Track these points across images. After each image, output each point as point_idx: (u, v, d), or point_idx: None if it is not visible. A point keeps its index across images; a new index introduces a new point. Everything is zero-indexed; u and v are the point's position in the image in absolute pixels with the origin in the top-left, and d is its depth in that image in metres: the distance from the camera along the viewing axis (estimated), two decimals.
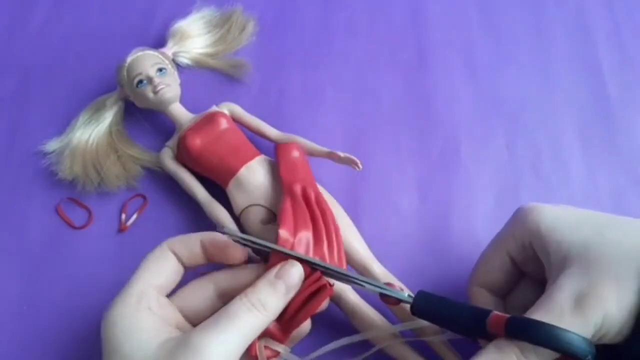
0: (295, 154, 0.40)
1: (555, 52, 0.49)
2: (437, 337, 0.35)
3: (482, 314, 0.29)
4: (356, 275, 0.32)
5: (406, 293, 0.32)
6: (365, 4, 0.52)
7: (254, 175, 0.39)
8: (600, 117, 0.46)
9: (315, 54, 0.49)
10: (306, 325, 0.32)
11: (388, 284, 0.32)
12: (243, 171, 0.39)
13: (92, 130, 0.44)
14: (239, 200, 0.39)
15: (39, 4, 0.52)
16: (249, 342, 0.29)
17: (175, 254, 0.32)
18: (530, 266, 0.33)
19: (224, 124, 0.41)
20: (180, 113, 0.43)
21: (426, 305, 0.31)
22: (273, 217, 0.39)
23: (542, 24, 0.51)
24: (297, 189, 0.38)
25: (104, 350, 0.28)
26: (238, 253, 0.32)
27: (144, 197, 0.43)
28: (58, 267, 0.40)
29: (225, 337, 0.27)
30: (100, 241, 0.41)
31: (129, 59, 0.43)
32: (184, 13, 0.49)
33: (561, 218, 0.31)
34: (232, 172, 0.40)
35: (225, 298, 0.31)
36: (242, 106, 0.44)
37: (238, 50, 0.49)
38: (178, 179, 0.42)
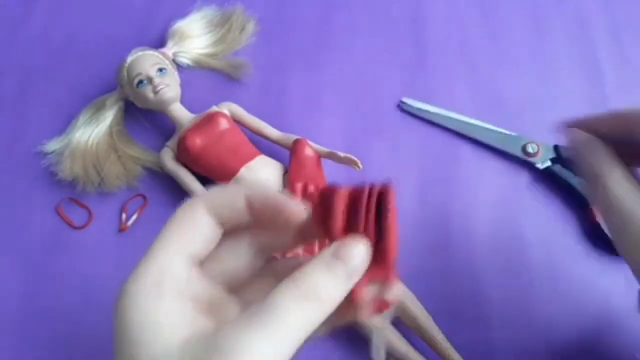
0: (308, 151, 0.41)
1: (555, 52, 0.49)
2: (438, 334, 0.35)
3: None
4: None
5: None
6: (365, 3, 0.52)
7: (254, 176, 0.39)
8: None
9: (315, 54, 0.49)
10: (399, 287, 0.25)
11: None
12: (243, 171, 0.40)
13: (92, 131, 0.44)
14: None
15: (39, 4, 0.52)
16: (300, 343, 0.21)
17: (212, 212, 0.24)
18: None
19: (224, 124, 0.41)
20: (181, 113, 0.43)
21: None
22: None
23: (541, 24, 0.50)
24: (298, 187, 0.38)
25: (116, 338, 0.22)
26: (299, 209, 0.24)
27: (144, 197, 0.43)
28: (58, 267, 0.40)
29: (269, 338, 0.20)
30: (100, 241, 0.41)
31: (129, 59, 0.43)
32: (184, 13, 0.49)
33: None
34: (232, 173, 0.40)
35: (266, 254, 0.25)
36: (242, 106, 0.44)
37: (238, 50, 0.49)
38: (178, 179, 0.42)
